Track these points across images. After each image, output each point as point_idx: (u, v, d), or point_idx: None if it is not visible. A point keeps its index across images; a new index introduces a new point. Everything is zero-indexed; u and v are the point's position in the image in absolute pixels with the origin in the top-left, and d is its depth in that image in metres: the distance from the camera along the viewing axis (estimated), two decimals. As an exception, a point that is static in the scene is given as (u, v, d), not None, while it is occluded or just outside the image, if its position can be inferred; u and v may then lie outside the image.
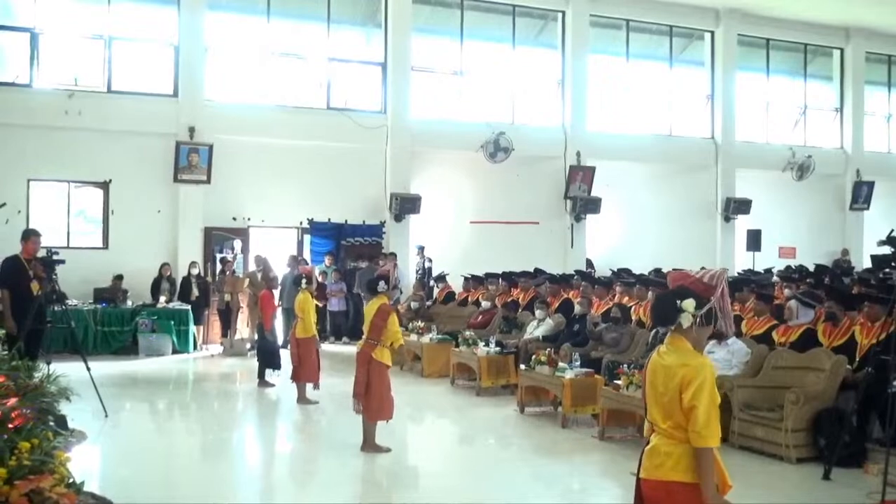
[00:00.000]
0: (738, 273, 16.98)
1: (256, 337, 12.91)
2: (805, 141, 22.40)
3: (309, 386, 10.60)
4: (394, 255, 17.01)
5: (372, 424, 7.97)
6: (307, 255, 17.09)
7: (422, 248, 17.90)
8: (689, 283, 3.97)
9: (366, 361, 7.86)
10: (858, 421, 7.68)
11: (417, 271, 17.75)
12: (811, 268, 17.00)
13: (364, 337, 8.00)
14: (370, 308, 8.05)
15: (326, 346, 15.27)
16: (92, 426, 8.54)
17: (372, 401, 7.86)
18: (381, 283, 8.07)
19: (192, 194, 16.11)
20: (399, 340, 8.16)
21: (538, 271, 15.44)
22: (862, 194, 22.72)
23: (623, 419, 8.73)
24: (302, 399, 10.54)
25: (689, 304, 3.82)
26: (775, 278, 15.65)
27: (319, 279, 15.73)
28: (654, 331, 10.51)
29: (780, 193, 21.96)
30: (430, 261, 17.80)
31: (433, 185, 18.23)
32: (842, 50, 22.89)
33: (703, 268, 4.29)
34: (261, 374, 11.89)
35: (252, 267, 15.49)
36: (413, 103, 17.97)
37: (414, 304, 15.25)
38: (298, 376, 10.62)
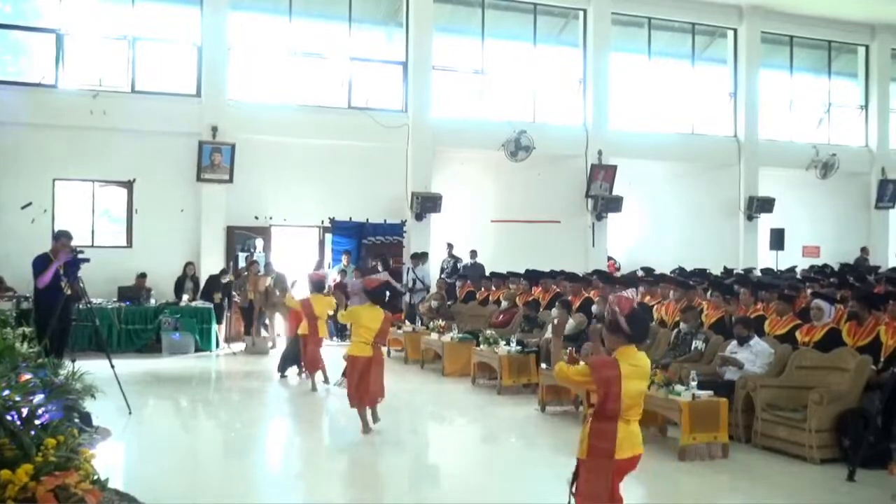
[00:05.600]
0: (759, 271, 16.88)
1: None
2: (829, 139, 22.18)
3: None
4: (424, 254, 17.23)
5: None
6: (328, 253, 17.18)
7: (451, 246, 17.90)
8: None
9: (381, 363, 8.81)
10: (883, 421, 7.57)
11: (444, 269, 17.74)
12: (835, 266, 16.82)
13: (371, 341, 8.67)
14: (376, 315, 8.74)
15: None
16: (116, 423, 8.62)
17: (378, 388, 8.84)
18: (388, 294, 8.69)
19: (215, 193, 16.23)
20: None
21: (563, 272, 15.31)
22: (887, 193, 22.45)
23: (645, 419, 8.65)
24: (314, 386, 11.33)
25: None
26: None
27: (339, 278, 15.80)
28: (675, 330, 10.48)
29: (803, 192, 21.77)
30: (462, 260, 17.75)
31: (454, 184, 18.23)
32: (867, 47, 22.63)
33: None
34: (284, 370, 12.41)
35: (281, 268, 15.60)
36: (434, 102, 17.98)
37: (434, 303, 15.24)
38: (317, 367, 11.37)
